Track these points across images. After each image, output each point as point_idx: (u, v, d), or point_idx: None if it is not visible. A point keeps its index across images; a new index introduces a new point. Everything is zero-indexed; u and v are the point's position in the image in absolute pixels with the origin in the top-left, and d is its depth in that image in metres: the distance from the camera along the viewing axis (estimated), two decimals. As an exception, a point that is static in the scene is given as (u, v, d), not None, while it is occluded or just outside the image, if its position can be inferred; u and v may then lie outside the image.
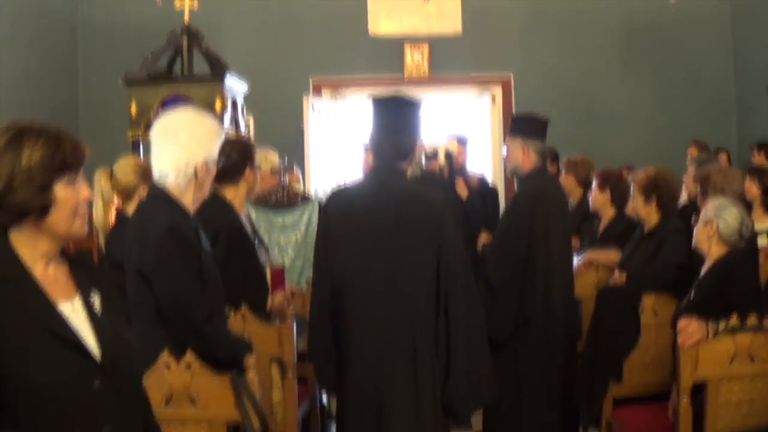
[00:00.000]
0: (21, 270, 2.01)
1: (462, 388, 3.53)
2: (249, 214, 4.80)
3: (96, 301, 2.14)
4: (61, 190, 2.03)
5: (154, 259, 3.05)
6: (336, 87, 10.78)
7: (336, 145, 9.98)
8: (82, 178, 2.10)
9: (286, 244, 5.41)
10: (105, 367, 2.04)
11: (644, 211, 5.04)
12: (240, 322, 3.85)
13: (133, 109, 6.23)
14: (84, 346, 2.03)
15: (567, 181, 6.65)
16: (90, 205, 4.03)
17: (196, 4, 6.70)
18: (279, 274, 4.34)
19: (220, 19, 9.96)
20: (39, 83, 9.51)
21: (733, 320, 3.71)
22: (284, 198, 5.49)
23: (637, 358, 4.59)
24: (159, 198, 3.18)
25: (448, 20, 10.74)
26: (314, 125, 9.70)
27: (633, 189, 5.14)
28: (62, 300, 2.06)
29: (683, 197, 6.23)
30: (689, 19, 10.44)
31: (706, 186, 5.09)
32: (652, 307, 4.62)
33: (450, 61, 10.65)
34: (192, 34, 6.59)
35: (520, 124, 4.94)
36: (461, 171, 7.46)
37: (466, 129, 9.31)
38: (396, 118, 3.68)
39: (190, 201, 3.20)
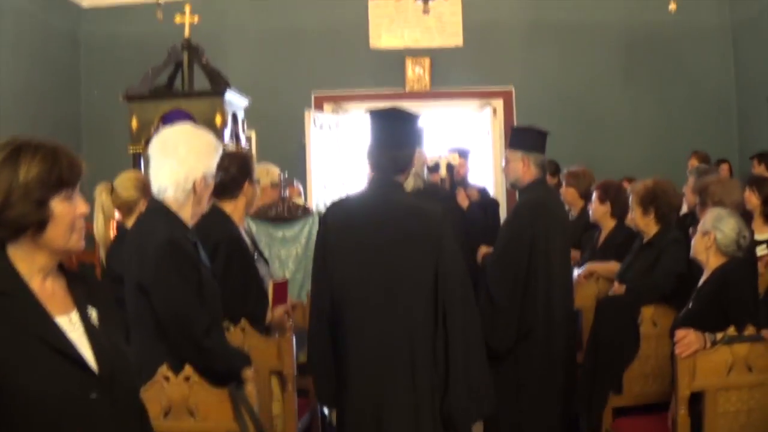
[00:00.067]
0: (19, 284, 2.03)
1: (461, 399, 3.53)
2: (249, 228, 4.82)
3: (93, 314, 2.16)
4: (58, 206, 2.05)
5: (153, 273, 3.06)
6: (337, 101, 10.83)
7: (338, 159, 10.00)
8: (79, 194, 2.12)
9: (287, 257, 5.43)
10: (102, 380, 2.06)
11: (642, 223, 5.06)
12: (240, 335, 3.86)
13: (134, 124, 6.26)
14: (81, 359, 2.04)
15: (568, 193, 6.67)
16: (91, 219, 4.07)
17: (196, 19, 6.73)
18: (282, 288, 4.34)
19: (222, 35, 10.02)
20: (41, 98, 9.56)
21: (731, 330, 3.72)
22: (284, 211, 5.51)
23: (637, 369, 4.59)
24: (158, 212, 3.20)
25: (449, 33, 10.78)
26: (316, 139, 9.73)
27: (631, 200, 5.16)
28: (60, 314, 2.08)
29: (684, 208, 6.24)
30: (690, 30, 10.45)
31: (705, 197, 5.10)
32: (651, 317, 4.63)
33: (451, 74, 10.69)
34: (192, 49, 6.62)
35: (520, 137, 4.96)
36: (462, 183, 7.49)
37: (468, 142, 9.34)
38: (393, 131, 3.71)
39: (188, 215, 3.23)
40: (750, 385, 3.71)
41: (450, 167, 7.45)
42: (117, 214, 4.71)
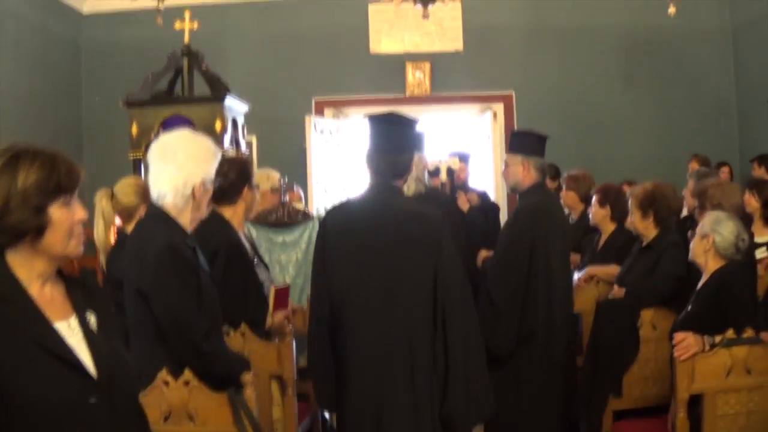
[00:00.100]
0: (18, 289, 2.05)
1: (460, 403, 3.54)
2: (249, 233, 4.83)
3: (92, 319, 2.17)
4: (56, 212, 2.06)
5: (153, 278, 3.08)
6: (338, 106, 10.84)
7: (338, 163, 10.02)
8: (77, 200, 2.13)
9: (287, 262, 5.44)
10: (101, 384, 2.07)
11: (642, 226, 5.07)
12: (240, 339, 3.87)
13: (134, 130, 6.28)
14: (80, 363, 2.06)
15: (568, 197, 6.68)
16: (91, 225, 4.09)
17: (196, 25, 6.75)
18: (284, 293, 4.34)
19: (223, 40, 10.06)
20: (42, 104, 9.59)
21: (730, 333, 3.73)
22: (284, 216, 5.52)
23: (636, 372, 4.60)
24: (157, 217, 3.22)
25: (450, 38, 10.79)
26: (317, 144, 9.75)
27: (630, 204, 5.16)
28: (58, 319, 2.09)
29: (684, 211, 6.25)
30: (690, 33, 10.46)
31: (704, 200, 5.10)
32: (651, 320, 4.64)
33: (451, 78, 10.71)
34: (192, 55, 6.64)
35: (520, 141, 4.98)
36: (463, 187, 7.51)
37: (469, 146, 9.36)
38: (391, 136, 3.73)
39: (188, 220, 3.25)
40: (749, 388, 3.71)
41: (450, 171, 7.48)
42: (118, 220, 4.72)
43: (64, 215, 2.08)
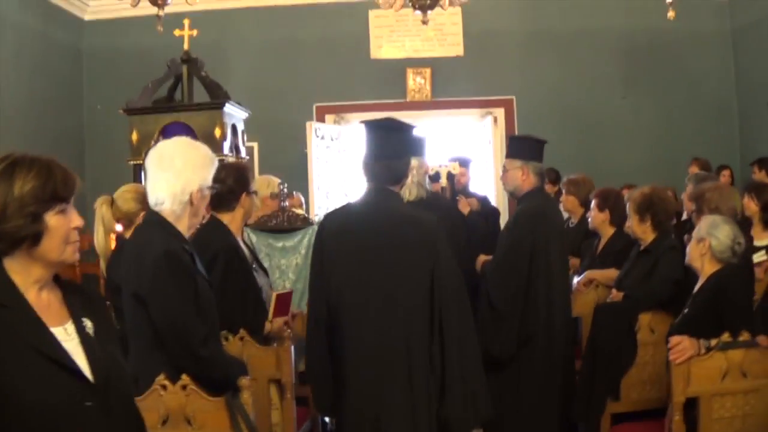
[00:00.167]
0: (15, 295, 2.08)
1: (457, 405, 3.56)
2: (249, 239, 4.85)
3: (88, 325, 2.20)
4: (52, 219, 2.10)
5: (151, 283, 3.10)
6: (339, 112, 10.87)
7: (340, 169, 10.03)
8: (73, 207, 2.16)
9: (287, 267, 5.46)
10: (97, 388, 2.10)
11: (639, 230, 5.07)
12: (238, 344, 3.89)
13: (134, 136, 6.31)
14: (76, 368, 2.08)
15: (568, 201, 6.70)
16: (92, 231, 4.11)
17: (195, 32, 6.76)
18: (285, 299, 4.36)
19: (224, 47, 10.09)
20: (44, 110, 9.62)
21: (726, 336, 3.74)
22: (284, 222, 5.54)
23: (634, 375, 4.61)
24: (155, 223, 3.24)
25: (450, 43, 10.82)
26: (318, 150, 9.77)
27: (628, 208, 5.17)
28: (55, 324, 2.12)
29: (684, 215, 6.25)
30: (690, 36, 10.46)
31: (701, 204, 5.10)
32: (648, 324, 4.65)
33: (452, 83, 10.73)
34: (191, 62, 6.66)
35: (519, 146, 5.01)
36: (463, 192, 7.52)
37: (469, 151, 9.36)
38: (387, 142, 3.75)
39: (185, 227, 3.27)
40: (745, 391, 3.72)
41: (450, 176, 7.49)
42: (119, 227, 4.74)
43: (60, 222, 2.11)
